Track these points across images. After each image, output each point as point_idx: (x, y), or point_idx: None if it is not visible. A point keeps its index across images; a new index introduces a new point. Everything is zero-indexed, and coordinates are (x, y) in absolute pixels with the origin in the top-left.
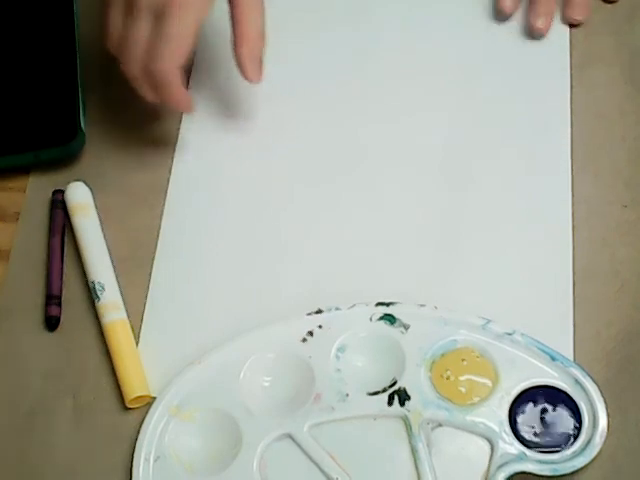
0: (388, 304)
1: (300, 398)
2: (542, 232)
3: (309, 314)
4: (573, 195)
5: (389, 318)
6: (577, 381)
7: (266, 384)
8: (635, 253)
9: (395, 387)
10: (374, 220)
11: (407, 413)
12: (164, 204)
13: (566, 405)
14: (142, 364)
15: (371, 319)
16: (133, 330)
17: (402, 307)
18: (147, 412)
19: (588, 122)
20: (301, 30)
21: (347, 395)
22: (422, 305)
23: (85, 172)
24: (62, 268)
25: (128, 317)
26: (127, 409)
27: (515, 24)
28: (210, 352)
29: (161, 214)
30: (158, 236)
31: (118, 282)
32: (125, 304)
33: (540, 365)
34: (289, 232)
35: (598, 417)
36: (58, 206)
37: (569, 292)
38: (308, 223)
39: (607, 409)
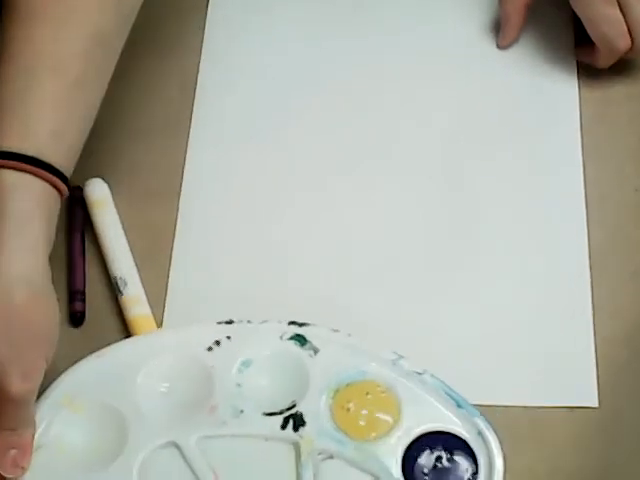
0: (301, 324)
1: (195, 407)
2: (557, 219)
3: (219, 323)
4: (585, 181)
5: (299, 339)
6: (480, 433)
7: (163, 388)
8: None
9: (292, 411)
10: (386, 225)
11: (299, 439)
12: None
13: (464, 454)
14: None
15: (282, 337)
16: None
17: (315, 329)
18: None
19: (596, 108)
20: (301, 33)
21: (242, 411)
22: (336, 330)
23: (100, 168)
24: (84, 264)
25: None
26: None
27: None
28: (113, 345)
29: (177, 209)
30: (175, 231)
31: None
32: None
33: (444, 411)
34: (289, 231)
35: (494, 471)
36: (77, 203)
37: (586, 276)
38: (304, 226)
39: (505, 464)
